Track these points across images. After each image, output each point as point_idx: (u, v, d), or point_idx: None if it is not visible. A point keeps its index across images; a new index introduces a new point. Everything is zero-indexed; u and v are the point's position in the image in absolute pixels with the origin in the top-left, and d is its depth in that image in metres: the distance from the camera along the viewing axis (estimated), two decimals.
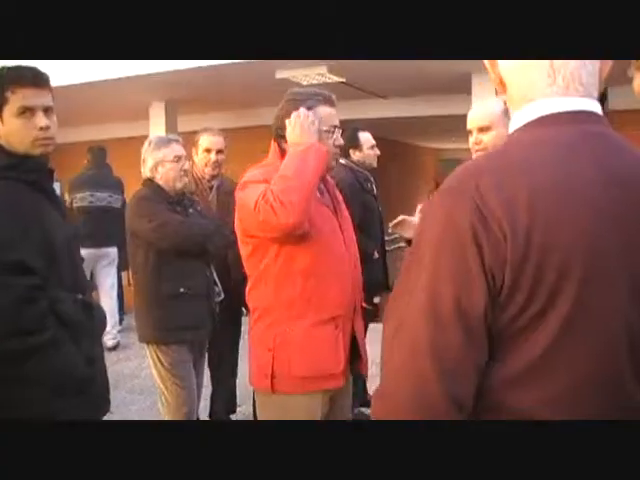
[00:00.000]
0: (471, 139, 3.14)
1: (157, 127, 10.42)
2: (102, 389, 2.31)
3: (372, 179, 5.06)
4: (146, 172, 3.68)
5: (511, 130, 1.30)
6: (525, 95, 1.25)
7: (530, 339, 1.14)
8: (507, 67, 1.28)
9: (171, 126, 10.50)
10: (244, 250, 2.66)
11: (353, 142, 4.96)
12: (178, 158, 3.64)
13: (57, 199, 2.29)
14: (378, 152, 5.12)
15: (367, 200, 4.86)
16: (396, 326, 1.19)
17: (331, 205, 2.76)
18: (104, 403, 2.33)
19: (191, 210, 3.78)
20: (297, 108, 2.59)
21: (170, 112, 10.58)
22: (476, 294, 1.12)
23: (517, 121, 1.28)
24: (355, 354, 2.73)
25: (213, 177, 4.40)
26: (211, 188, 4.40)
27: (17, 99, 2.10)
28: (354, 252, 2.76)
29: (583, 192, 1.13)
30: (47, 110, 2.16)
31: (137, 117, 10.67)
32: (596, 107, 1.24)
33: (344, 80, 8.82)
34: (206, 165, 4.35)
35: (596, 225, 1.12)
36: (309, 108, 2.60)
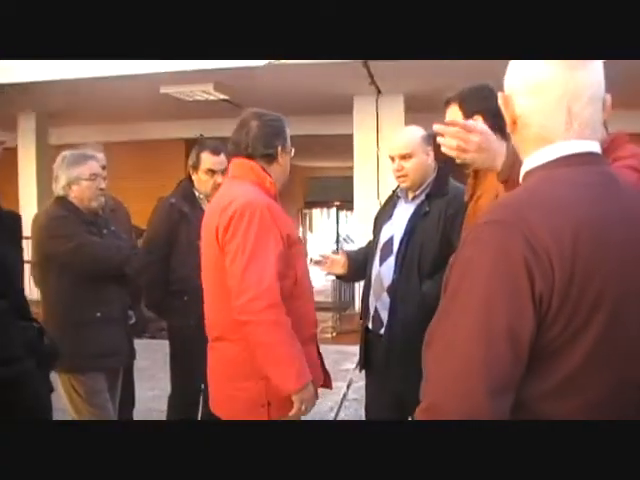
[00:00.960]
0: (393, 166, 3.31)
1: (26, 138, 9.96)
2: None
3: None
4: (59, 190, 3.49)
5: (528, 166, 1.42)
6: (545, 137, 1.38)
7: (568, 355, 1.25)
8: (528, 110, 1.39)
9: (42, 138, 10.07)
10: (217, 266, 2.62)
11: None
12: (95, 176, 3.49)
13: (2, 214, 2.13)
14: None
15: None
16: (444, 346, 1.27)
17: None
18: None
19: (105, 231, 3.62)
20: (282, 130, 2.76)
21: (41, 123, 10.14)
22: (527, 319, 1.22)
23: (535, 160, 1.40)
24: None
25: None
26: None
27: None
28: None
29: (613, 229, 1.29)
30: None
31: (5, 128, 10.14)
32: (599, 148, 1.39)
33: (228, 98, 8.81)
34: None
35: (624, 259, 1.28)
36: (285, 130, 2.78)
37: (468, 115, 2.63)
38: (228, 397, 2.70)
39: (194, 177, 4.03)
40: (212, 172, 3.91)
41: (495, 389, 1.21)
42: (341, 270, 3.52)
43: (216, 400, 2.79)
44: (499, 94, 1.45)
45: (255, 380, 2.55)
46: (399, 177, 3.29)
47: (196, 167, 3.99)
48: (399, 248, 3.22)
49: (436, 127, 2.15)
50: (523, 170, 1.43)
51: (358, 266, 3.54)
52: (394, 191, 3.51)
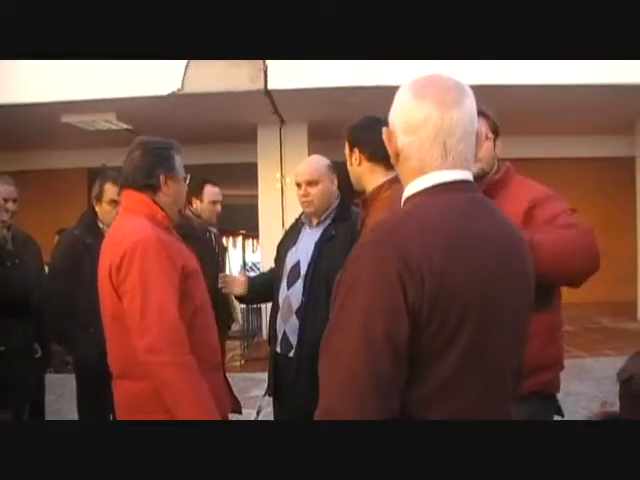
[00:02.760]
0: (299, 192, 3.44)
1: None
2: None
3: (214, 230, 4.98)
4: None
5: (407, 193, 1.57)
6: (422, 168, 1.53)
7: (439, 363, 1.39)
8: (408, 145, 1.54)
9: None
10: (112, 304, 2.53)
11: (197, 192, 4.88)
12: None
13: None
14: (218, 209, 4.99)
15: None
16: (334, 357, 1.39)
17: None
18: None
19: (9, 263, 3.55)
20: (165, 157, 2.63)
21: None
22: (402, 325, 1.35)
23: (414, 187, 1.55)
24: None
25: (8, 227, 4.16)
26: (5, 238, 4.14)
27: None
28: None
29: (480, 247, 1.45)
30: None
31: None
32: (471, 177, 1.56)
33: (131, 127, 8.75)
34: None
35: (489, 274, 1.45)
36: (173, 157, 2.65)
37: (350, 147, 2.89)
38: None
39: (97, 208, 4.02)
40: (115, 203, 3.87)
41: (381, 392, 1.33)
42: (241, 290, 3.62)
43: None
44: (383, 129, 1.59)
45: (162, 414, 2.43)
46: (304, 202, 3.42)
47: (99, 198, 3.98)
48: (307, 272, 3.32)
49: None
50: (403, 197, 1.58)
51: (259, 288, 3.65)
52: (297, 218, 3.63)
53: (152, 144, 2.67)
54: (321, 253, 3.32)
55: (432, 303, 1.35)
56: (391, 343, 1.34)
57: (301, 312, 3.30)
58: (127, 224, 2.60)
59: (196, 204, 4.89)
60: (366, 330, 1.34)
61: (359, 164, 2.86)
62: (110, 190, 3.93)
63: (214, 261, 4.65)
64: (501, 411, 1.52)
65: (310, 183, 3.39)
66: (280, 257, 3.57)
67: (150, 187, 2.62)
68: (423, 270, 1.34)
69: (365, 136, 2.80)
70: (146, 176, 2.61)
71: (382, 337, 1.33)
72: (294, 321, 3.33)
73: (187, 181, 2.78)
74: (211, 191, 4.91)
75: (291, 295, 3.37)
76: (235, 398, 2.89)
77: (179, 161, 2.70)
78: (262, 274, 3.85)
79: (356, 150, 2.85)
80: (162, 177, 2.62)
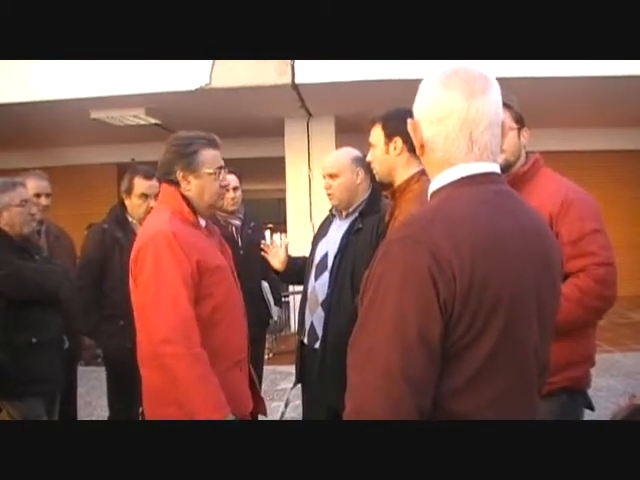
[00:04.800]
0: (324, 184, 3.46)
1: None
2: None
3: (236, 223, 4.69)
4: None
5: (434, 186, 1.56)
6: (448, 159, 1.52)
7: (472, 355, 1.39)
8: (433, 136, 1.53)
9: None
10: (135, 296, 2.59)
11: None
12: (25, 202, 3.48)
13: None
14: (232, 194, 4.56)
15: None
16: (365, 354, 1.38)
17: (220, 248, 2.78)
18: None
19: (37, 257, 3.60)
20: (183, 154, 2.62)
21: None
22: (435, 323, 1.35)
23: (441, 180, 1.54)
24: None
25: (41, 222, 4.21)
26: (39, 232, 4.20)
27: None
28: (240, 293, 2.81)
29: (508, 241, 1.45)
30: None
31: None
32: (498, 169, 1.55)
33: (159, 122, 8.81)
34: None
35: (517, 268, 1.44)
36: (195, 152, 2.61)
37: (389, 136, 2.81)
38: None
39: (127, 202, 4.05)
40: (145, 196, 3.94)
41: (414, 389, 1.33)
42: (279, 265, 3.67)
43: None
44: (408, 120, 1.58)
45: (174, 407, 2.47)
46: (328, 195, 3.47)
47: (129, 192, 4.01)
48: (333, 263, 3.34)
49: None
50: (430, 190, 1.57)
51: (295, 269, 3.69)
52: (330, 210, 3.64)
53: (174, 139, 2.67)
54: (347, 246, 3.33)
55: (463, 300, 1.35)
56: (424, 341, 1.34)
57: (327, 304, 3.32)
58: (150, 219, 2.66)
59: None
60: (399, 328, 1.34)
61: (399, 154, 2.78)
62: (140, 184, 3.97)
63: (236, 255, 4.58)
64: (528, 404, 1.53)
65: (331, 176, 3.42)
66: (312, 249, 3.60)
67: (171, 182, 2.65)
68: (454, 267, 1.34)
69: (403, 125, 2.69)
70: (165, 172, 2.65)
71: (415, 335, 1.33)
72: (320, 313, 3.36)
73: (220, 175, 2.68)
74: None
75: (317, 287, 3.40)
76: (261, 399, 2.88)
77: (205, 155, 2.63)
78: (299, 257, 3.85)
79: (398, 139, 2.76)
80: (180, 173, 2.61)
